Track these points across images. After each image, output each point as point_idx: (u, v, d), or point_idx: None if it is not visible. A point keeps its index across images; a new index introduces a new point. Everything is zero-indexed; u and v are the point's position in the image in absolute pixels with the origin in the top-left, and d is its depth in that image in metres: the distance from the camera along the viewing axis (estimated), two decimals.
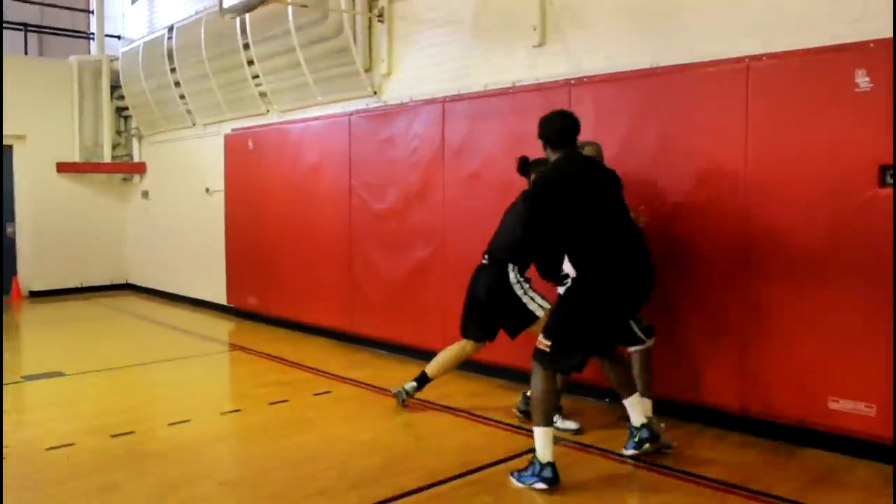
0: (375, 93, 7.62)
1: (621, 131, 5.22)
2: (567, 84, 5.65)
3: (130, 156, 12.27)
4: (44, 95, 11.50)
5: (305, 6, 7.61)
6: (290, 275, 8.45)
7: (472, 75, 6.59)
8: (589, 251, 4.16)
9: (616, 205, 4.28)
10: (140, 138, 12.10)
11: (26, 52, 12.46)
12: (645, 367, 4.77)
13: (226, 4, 6.80)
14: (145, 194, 11.95)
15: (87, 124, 11.92)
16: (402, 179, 6.93)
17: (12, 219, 11.63)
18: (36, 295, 11.64)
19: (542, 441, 4.04)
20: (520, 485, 4.01)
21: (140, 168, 12.06)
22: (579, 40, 5.86)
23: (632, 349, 4.75)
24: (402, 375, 6.40)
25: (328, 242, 7.83)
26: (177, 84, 10.48)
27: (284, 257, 8.53)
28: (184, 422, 5.20)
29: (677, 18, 5.26)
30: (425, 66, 7.09)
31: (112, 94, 11.98)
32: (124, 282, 12.50)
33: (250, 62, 8.98)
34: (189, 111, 10.57)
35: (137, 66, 11.12)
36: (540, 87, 5.87)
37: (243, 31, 8.87)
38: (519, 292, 4.93)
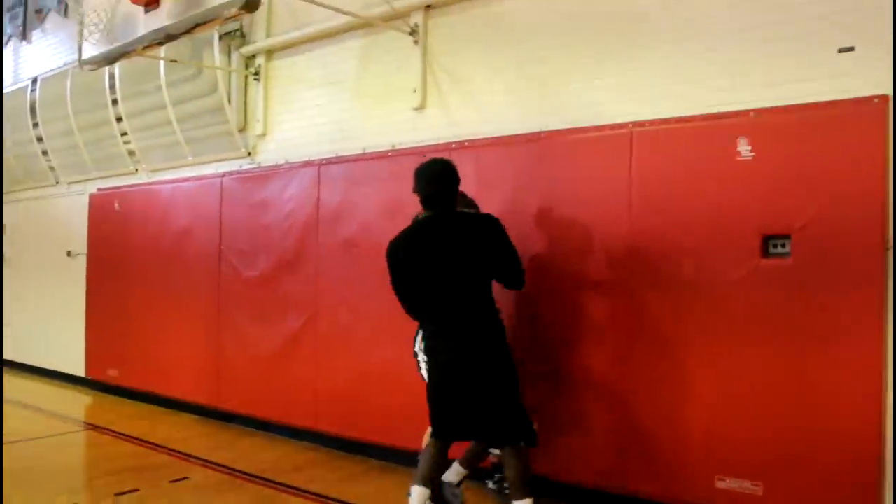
0: (250, 154, 7.22)
1: (503, 196, 5.00)
2: (448, 148, 5.42)
3: None
4: None
5: (175, 62, 7.20)
6: (154, 345, 7.80)
7: (350, 138, 6.29)
8: (422, 319, 4.25)
9: (461, 271, 4.02)
10: None
11: None
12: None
13: (85, 55, 6.31)
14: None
15: None
16: (273, 246, 6.50)
17: None
18: None
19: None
20: None
21: None
22: (461, 104, 5.68)
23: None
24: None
25: (195, 311, 7.27)
26: (39, 139, 9.78)
27: (149, 326, 7.88)
28: None
29: (561, 84, 5.13)
30: (302, 127, 6.76)
31: None
32: None
33: (119, 119, 8.44)
34: (52, 168, 9.84)
35: None
36: (420, 151, 5.61)
37: (112, 86, 8.35)
38: (416, 346, 4.56)
